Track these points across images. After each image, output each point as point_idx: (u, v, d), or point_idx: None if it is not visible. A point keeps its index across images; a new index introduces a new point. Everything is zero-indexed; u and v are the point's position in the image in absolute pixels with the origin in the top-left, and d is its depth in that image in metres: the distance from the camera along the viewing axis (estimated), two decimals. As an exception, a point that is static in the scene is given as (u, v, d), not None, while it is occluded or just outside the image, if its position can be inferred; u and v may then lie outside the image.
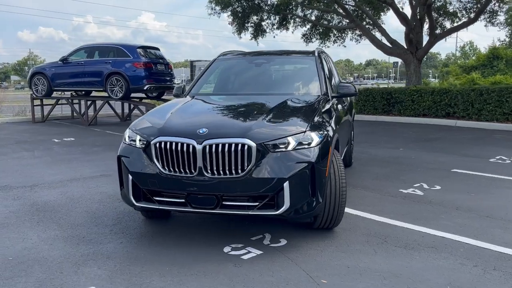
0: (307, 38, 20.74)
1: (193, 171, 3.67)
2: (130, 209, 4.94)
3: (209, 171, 3.64)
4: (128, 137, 4.16)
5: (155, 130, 3.91)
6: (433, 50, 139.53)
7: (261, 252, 3.73)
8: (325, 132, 3.90)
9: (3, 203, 5.27)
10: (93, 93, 14.78)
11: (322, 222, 4.05)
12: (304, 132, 3.75)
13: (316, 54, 5.54)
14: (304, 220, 4.24)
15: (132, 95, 13.74)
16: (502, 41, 45.48)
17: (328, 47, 21.99)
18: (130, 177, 3.91)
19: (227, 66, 5.72)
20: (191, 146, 3.65)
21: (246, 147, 3.58)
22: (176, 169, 3.72)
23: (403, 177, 6.45)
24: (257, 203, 3.66)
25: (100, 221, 4.61)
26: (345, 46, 22.47)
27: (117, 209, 5.00)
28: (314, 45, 21.75)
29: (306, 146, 3.70)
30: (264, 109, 4.26)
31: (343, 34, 21.35)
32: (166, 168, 3.75)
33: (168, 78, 13.90)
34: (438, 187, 5.82)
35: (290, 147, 3.66)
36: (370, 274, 3.30)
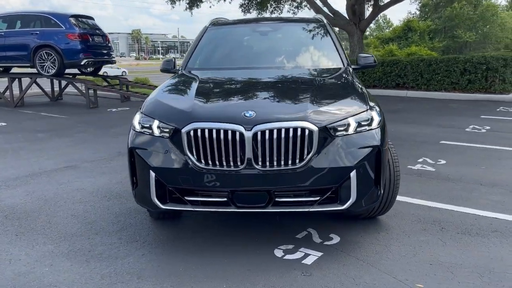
0: (245, 8, 19.95)
1: (239, 163, 2.99)
2: (127, 210, 4.13)
3: (260, 162, 2.98)
4: (139, 123, 3.33)
5: (185, 115, 3.14)
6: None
7: (321, 253, 3.19)
8: (380, 109, 3.39)
9: (-44, 211, 4.16)
10: (14, 69, 12.92)
11: (373, 211, 3.59)
12: (366, 111, 3.21)
13: (325, 21, 4.97)
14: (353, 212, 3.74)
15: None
16: (413, 14, 47.97)
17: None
18: (153, 174, 3.12)
19: (226, 36, 4.94)
20: (237, 133, 2.95)
21: (306, 132, 2.96)
22: (217, 162, 3.01)
23: (400, 152, 6.18)
24: (317, 198, 3.09)
25: (98, 227, 3.76)
26: None
27: (111, 210, 4.14)
28: (252, 16, 21.01)
29: (367, 128, 3.16)
30: (304, 86, 3.64)
31: (280, 5, 20.88)
32: (203, 161, 3.03)
33: (105, 52, 12.48)
34: (443, 161, 5.63)
35: (351, 130, 3.10)
36: (460, 272, 2.90)
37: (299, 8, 20.99)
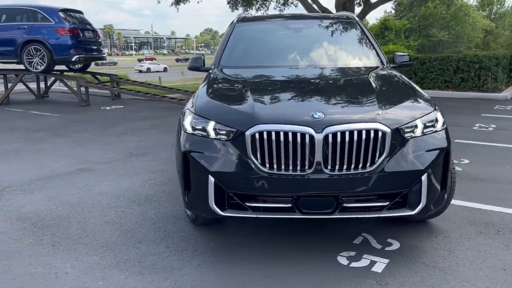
0: (233, 4, 19.67)
1: (307, 167, 2.83)
2: (162, 215, 3.93)
3: (329, 166, 2.83)
4: (192, 125, 3.13)
5: (247, 117, 2.95)
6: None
7: (387, 259, 3.07)
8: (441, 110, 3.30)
9: (-24, 220, 3.85)
10: None
11: (429, 214, 3.50)
12: (432, 112, 3.10)
13: (356, 18, 4.85)
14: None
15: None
16: (388, 13, 48.73)
17: (251, 15, 21.20)
18: (212, 179, 2.93)
19: (258, 33, 4.76)
20: (307, 136, 2.79)
21: (379, 134, 2.83)
22: (283, 166, 2.85)
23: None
24: (386, 203, 2.96)
25: (139, 235, 3.54)
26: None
27: (146, 216, 3.92)
28: (240, 12, 20.75)
29: (433, 129, 3.06)
30: (363, 86, 3.50)
31: (267, 2, 20.69)
32: (268, 165, 2.86)
33: (96, 47, 12.04)
34: (466, 161, 5.61)
35: (419, 131, 2.99)
36: (538, 277, 2.84)
37: (286, 5, 20.85)
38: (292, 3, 20.98)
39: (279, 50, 4.49)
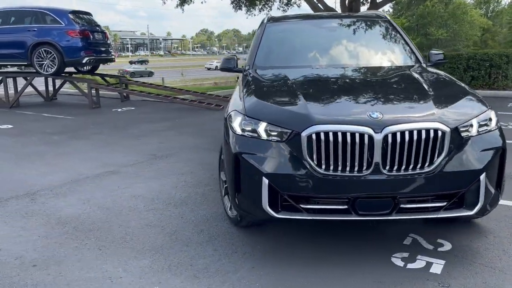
0: (236, 4, 19.62)
1: (365, 168, 2.80)
2: (202, 218, 3.89)
3: (387, 166, 2.80)
4: (241, 126, 3.09)
5: (302, 117, 2.91)
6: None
7: (443, 260, 3.04)
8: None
9: (16, 225, 3.79)
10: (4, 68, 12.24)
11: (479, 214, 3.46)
12: (487, 111, 3.08)
13: (388, 17, 4.82)
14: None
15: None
16: (386, 11, 48.72)
17: (254, 15, 21.21)
18: (266, 180, 2.89)
19: (292, 32, 4.72)
20: (366, 136, 2.76)
21: (439, 133, 2.80)
22: (340, 167, 2.81)
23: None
24: (444, 203, 2.93)
25: (184, 238, 3.49)
26: (285, 11, 21.65)
27: (186, 218, 3.87)
28: (242, 12, 20.68)
29: (487, 128, 3.04)
30: (413, 85, 3.45)
31: (269, 2, 20.66)
32: (324, 166, 2.82)
33: (105, 49, 11.97)
34: None
35: (474, 131, 2.97)
36: None
37: (289, 5, 20.83)
38: (295, 3, 20.97)
39: (316, 49, 4.45)
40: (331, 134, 2.78)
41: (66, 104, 12.49)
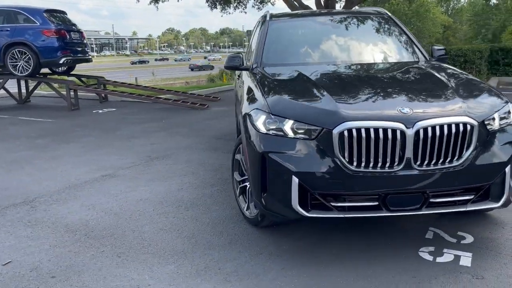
0: (212, 3, 19.45)
1: (396, 163, 2.79)
2: (218, 219, 3.82)
3: (418, 162, 2.81)
4: (266, 124, 3.02)
5: (332, 114, 2.88)
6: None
7: (470, 253, 3.07)
8: None
9: (21, 234, 3.60)
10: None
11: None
12: (506, 104, 3.13)
13: (389, 14, 4.85)
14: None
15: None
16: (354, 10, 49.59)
17: (229, 13, 21.11)
18: (296, 179, 2.84)
19: (296, 29, 4.68)
20: (398, 132, 2.75)
21: (468, 127, 2.83)
22: (371, 164, 2.80)
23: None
24: (471, 196, 2.96)
25: (204, 241, 3.41)
26: (245, 13, 21.66)
27: (201, 221, 3.78)
28: (209, 11, 20.52)
29: (507, 121, 3.09)
30: (431, 80, 3.47)
31: (244, 0, 20.58)
32: (356, 163, 2.80)
33: (81, 49, 11.60)
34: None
35: (496, 124, 3.01)
36: None
37: (263, 3, 20.83)
38: (269, 1, 21.00)
39: (325, 46, 4.43)
40: (363, 131, 2.76)
41: (41, 106, 12.03)
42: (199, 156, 5.97)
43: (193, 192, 4.52)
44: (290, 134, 2.94)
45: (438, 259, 3.01)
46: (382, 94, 3.20)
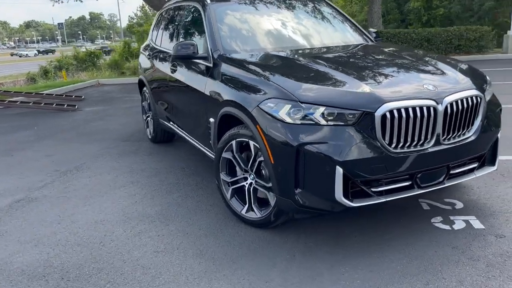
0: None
1: (428, 140, 2.84)
2: (211, 226, 3.41)
3: (445, 136, 2.90)
4: (290, 114, 2.76)
5: (369, 96, 2.75)
6: (96, 10, 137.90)
7: (473, 216, 3.30)
8: None
9: None
10: None
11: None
12: (487, 76, 3.44)
13: None
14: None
15: None
16: None
17: (62, 2, 18.91)
18: (340, 169, 2.66)
19: (248, 14, 4.29)
20: (431, 109, 2.79)
21: (478, 99, 3.03)
22: (408, 143, 2.79)
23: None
24: (476, 164, 3.19)
25: (221, 255, 2.96)
26: (82, 1, 19.59)
27: (192, 234, 3.29)
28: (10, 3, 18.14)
29: (491, 91, 3.39)
30: (421, 59, 3.54)
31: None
32: (394, 145, 2.75)
33: None
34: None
35: (487, 95, 3.26)
36: None
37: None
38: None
39: (288, 30, 4.19)
40: (403, 111, 2.71)
41: None
42: (120, 162, 5.18)
43: (153, 203, 3.89)
44: (322, 121, 2.72)
45: (455, 227, 3.16)
46: (399, 73, 3.17)
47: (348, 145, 2.69)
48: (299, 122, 2.74)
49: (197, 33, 4.38)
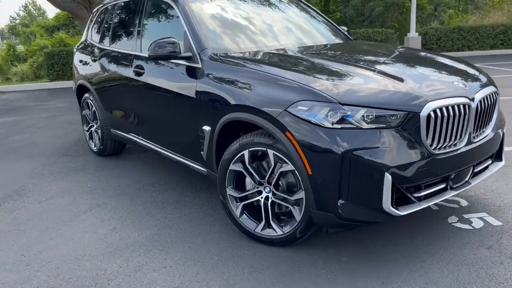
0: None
1: (462, 139, 2.74)
2: (222, 249, 2.98)
3: (475, 134, 2.84)
4: (329, 117, 2.48)
5: (411, 95, 2.56)
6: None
7: (484, 213, 3.29)
8: None
9: None
10: None
11: None
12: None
13: None
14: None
15: None
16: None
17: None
18: (389, 176, 2.43)
19: (227, 11, 3.85)
20: (467, 106, 2.69)
21: (497, 96, 3.03)
22: (447, 143, 2.66)
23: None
24: (490, 161, 3.19)
25: (259, 278, 2.56)
26: None
27: (204, 261, 2.84)
28: None
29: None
30: (423, 56, 3.47)
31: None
32: (436, 146, 2.60)
33: None
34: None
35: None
36: None
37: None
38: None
39: (274, 28, 3.86)
40: (444, 110, 2.57)
41: None
42: (70, 182, 4.43)
43: (137, 228, 3.33)
44: (364, 124, 2.47)
45: (475, 226, 3.11)
46: (426, 71, 3.03)
47: (395, 149, 2.47)
48: (339, 126, 2.46)
49: (169, 31, 3.85)
